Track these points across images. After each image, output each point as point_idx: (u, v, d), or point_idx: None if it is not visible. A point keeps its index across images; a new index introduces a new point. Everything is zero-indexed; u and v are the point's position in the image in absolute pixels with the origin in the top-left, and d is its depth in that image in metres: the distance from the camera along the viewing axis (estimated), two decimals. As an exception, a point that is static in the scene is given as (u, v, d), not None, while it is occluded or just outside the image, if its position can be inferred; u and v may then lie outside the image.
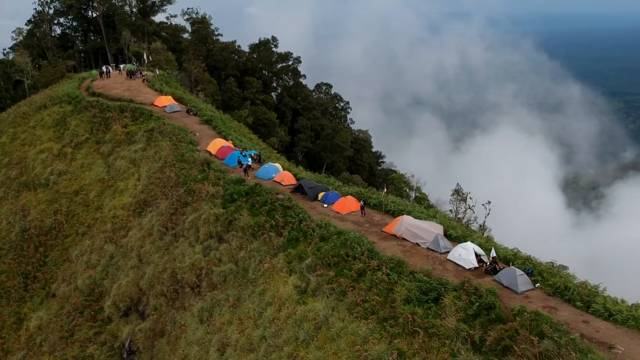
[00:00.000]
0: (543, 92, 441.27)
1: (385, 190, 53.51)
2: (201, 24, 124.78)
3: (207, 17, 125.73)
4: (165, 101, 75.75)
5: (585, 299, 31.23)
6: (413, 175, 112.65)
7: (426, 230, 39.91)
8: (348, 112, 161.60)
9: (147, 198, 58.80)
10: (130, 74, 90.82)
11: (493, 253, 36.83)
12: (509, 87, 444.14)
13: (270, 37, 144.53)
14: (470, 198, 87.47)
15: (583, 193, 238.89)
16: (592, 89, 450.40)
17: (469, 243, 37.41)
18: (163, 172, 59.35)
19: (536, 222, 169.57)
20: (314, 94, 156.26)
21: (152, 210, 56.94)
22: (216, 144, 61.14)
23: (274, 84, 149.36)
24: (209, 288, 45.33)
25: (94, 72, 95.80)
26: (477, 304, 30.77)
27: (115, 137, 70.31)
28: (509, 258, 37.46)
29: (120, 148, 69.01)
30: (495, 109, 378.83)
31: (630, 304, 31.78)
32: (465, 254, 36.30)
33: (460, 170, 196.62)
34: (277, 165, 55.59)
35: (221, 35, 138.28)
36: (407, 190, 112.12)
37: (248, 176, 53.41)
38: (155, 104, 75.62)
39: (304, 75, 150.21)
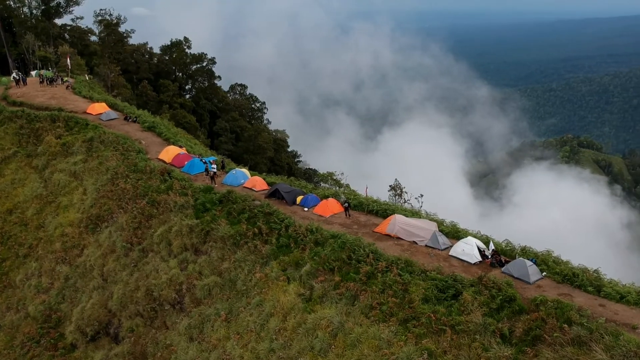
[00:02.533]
0: (447, 90, 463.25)
1: (367, 190, 53.35)
2: (115, 26, 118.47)
3: (121, 18, 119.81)
4: (100, 108, 71.21)
5: (595, 283, 32.83)
6: (343, 173, 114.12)
7: (421, 228, 40.28)
8: (264, 113, 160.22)
9: (100, 213, 55.03)
10: (50, 81, 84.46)
11: (492, 246, 37.86)
12: (417, 86, 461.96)
13: (182, 38, 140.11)
14: (406, 192, 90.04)
15: (486, 184, 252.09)
16: (485, 84, 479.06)
17: (470, 238, 38.19)
18: (115, 184, 55.80)
19: (448, 213, 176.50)
20: (229, 95, 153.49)
21: (108, 225, 53.39)
22: (169, 152, 58.28)
23: (189, 86, 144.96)
24: (193, 304, 43.20)
25: (5, 79, 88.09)
26: (500, 297, 31.46)
27: (49, 150, 65.22)
28: (505, 250, 38.65)
29: (56, 161, 64.12)
30: (405, 108, 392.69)
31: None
32: (469, 248, 36.99)
33: (373, 167, 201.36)
34: (245, 170, 53.95)
35: (130, 37, 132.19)
36: (337, 187, 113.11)
37: (215, 184, 51.42)
38: (88, 111, 70.85)
39: (219, 77, 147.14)
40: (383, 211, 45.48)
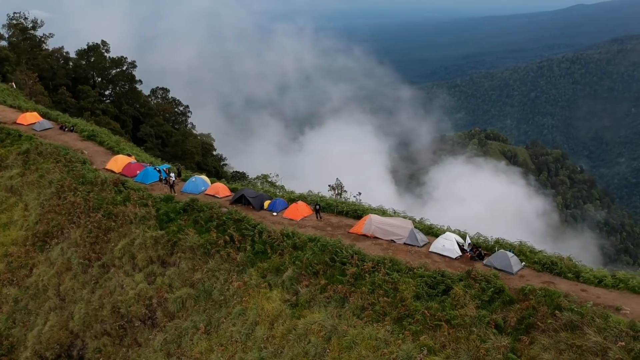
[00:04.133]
0: (361, 89, 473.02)
1: (335, 191, 53.27)
2: (32, 30, 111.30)
3: (37, 22, 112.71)
4: (31, 118, 67.05)
5: (573, 269, 34.60)
6: (277, 175, 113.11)
7: (398, 227, 40.82)
8: (188, 117, 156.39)
9: (47, 229, 51.76)
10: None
11: (468, 240, 39.00)
12: (340, 85, 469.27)
13: (100, 42, 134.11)
14: (345, 191, 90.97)
15: (406, 181, 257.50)
16: (395, 82, 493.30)
17: (449, 233, 39.18)
18: (63, 197, 52.72)
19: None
20: (150, 99, 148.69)
21: (59, 242, 50.36)
22: (118, 161, 55.75)
23: (109, 91, 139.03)
24: (166, 318, 41.64)
25: None
26: (491, 289, 32.46)
27: (-21, 164, 60.68)
28: (478, 243, 39.85)
29: (-12, 176, 59.73)
30: (329, 108, 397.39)
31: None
32: (449, 244, 37.92)
33: (299, 168, 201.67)
34: (204, 177, 52.60)
35: (45, 42, 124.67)
36: (273, 189, 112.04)
37: (175, 192, 49.75)
38: (19, 122, 66.57)
39: (140, 81, 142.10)
40: (353, 212, 45.81)
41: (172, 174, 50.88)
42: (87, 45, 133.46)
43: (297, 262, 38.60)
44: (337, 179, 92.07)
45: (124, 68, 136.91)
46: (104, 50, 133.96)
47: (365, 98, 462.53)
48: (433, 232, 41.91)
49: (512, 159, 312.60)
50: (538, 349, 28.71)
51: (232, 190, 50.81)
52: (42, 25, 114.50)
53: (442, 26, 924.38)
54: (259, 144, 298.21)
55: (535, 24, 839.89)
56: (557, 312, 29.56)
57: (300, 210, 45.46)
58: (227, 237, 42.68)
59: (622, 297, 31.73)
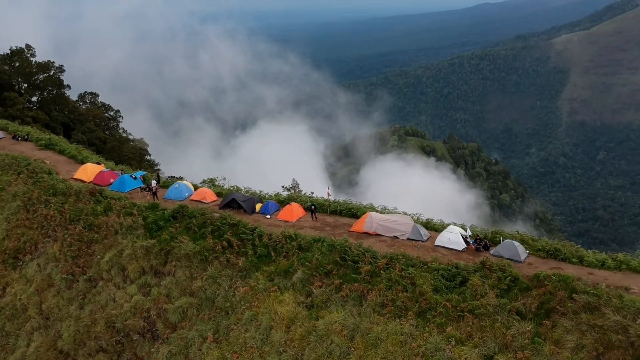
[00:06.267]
0: (292, 90, 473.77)
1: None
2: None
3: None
4: (-21, 128, 62.78)
5: (577, 254, 36.52)
6: (225, 178, 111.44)
7: (400, 223, 41.49)
8: (119, 122, 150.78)
9: (18, 245, 48.62)
10: None
11: (469, 232, 40.29)
12: (274, 88, 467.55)
13: (24, 45, 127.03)
14: (301, 190, 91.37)
15: (339, 181, 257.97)
16: (313, 81, 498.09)
17: (452, 226, 40.30)
18: (32, 210, 49.65)
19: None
20: (79, 105, 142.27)
21: (33, 257, 47.44)
22: (88, 170, 53.18)
23: (36, 98, 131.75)
24: (168, 329, 40.28)
25: None
26: (508, 277, 33.74)
27: None
28: (477, 234, 41.21)
29: (-61, 192, 55.26)
30: (264, 112, 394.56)
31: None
32: (454, 237, 39.00)
33: (233, 170, 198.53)
34: (187, 183, 51.16)
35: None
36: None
37: (157, 199, 48.15)
38: (-36, 133, 62.13)
39: (69, 86, 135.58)
40: (347, 210, 46.03)
41: (154, 181, 49.17)
42: (10, 49, 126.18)
43: (306, 263, 38.42)
44: (294, 179, 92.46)
45: (51, 73, 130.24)
46: (29, 55, 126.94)
47: (286, 98, 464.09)
48: (431, 227, 42.94)
49: (430, 154, 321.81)
50: (561, 332, 30.06)
51: (218, 194, 49.82)
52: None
53: (355, 25, 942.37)
54: (194, 149, 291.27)
55: (444, 22, 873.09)
56: (574, 295, 31.06)
57: (295, 212, 45.22)
58: (224, 243, 41.79)
59: (627, 277, 33.76)
